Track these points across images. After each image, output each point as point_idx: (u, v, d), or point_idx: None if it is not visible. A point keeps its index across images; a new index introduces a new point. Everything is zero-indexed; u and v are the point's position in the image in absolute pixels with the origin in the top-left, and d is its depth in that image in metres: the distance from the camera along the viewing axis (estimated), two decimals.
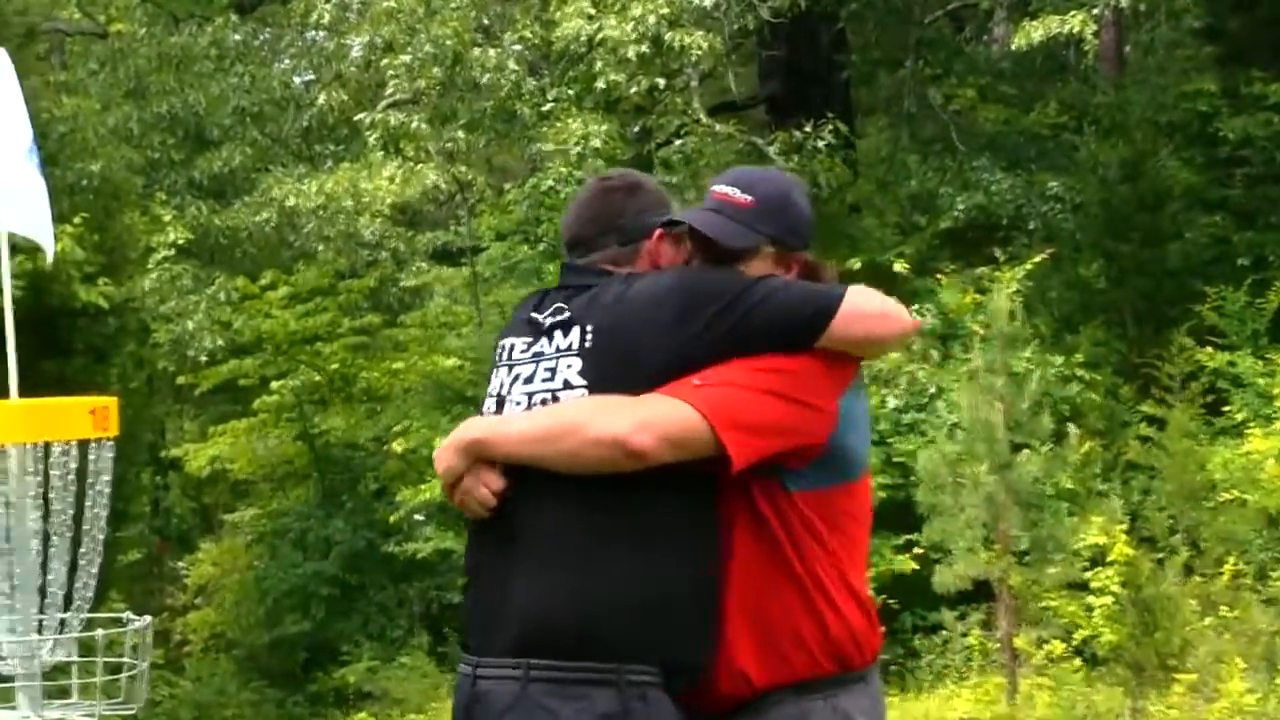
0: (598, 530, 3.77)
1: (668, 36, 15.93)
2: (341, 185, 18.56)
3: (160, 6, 22.84)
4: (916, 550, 14.07)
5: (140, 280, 19.93)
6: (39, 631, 7.03)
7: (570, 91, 16.98)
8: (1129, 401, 16.56)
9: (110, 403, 7.19)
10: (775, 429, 3.77)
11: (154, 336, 21.36)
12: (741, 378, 3.76)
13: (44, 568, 7.07)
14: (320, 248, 20.56)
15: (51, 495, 7.06)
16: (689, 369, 3.76)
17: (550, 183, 16.89)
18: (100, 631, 7.01)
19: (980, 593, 12.04)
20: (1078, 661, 11.31)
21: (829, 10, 19.04)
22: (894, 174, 21.13)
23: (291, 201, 18.63)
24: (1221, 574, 11.69)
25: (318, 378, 25.00)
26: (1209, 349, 16.04)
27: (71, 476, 7.11)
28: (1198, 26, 21.95)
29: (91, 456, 7.16)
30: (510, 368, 4.01)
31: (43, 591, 7.07)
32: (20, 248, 11.26)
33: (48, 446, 7.06)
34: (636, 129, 17.99)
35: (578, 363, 3.86)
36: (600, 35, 16.00)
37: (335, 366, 24.90)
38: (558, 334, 3.92)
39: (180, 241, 20.22)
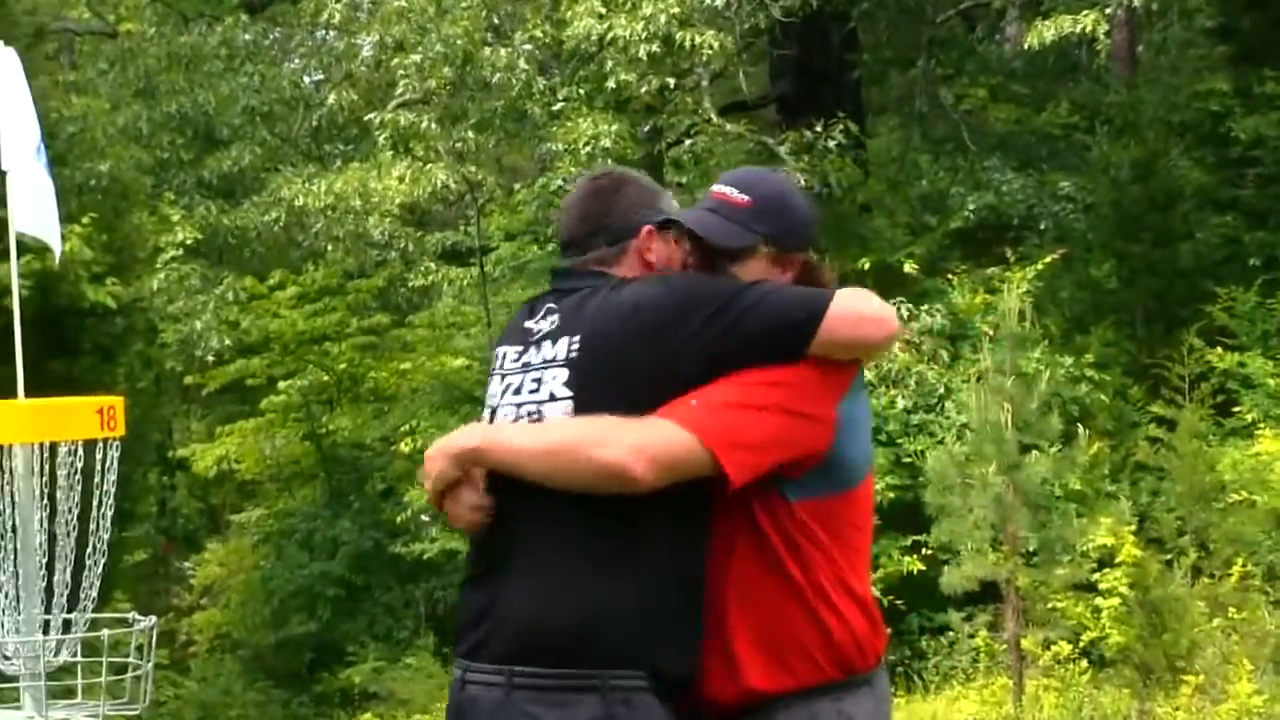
0: (585, 539, 3.75)
1: (678, 36, 15.89)
2: (351, 185, 18.52)
3: (170, 6, 22.81)
4: (924, 551, 14.05)
5: (148, 280, 19.92)
6: (44, 632, 7.03)
7: (581, 91, 16.95)
8: (1138, 402, 16.53)
9: (117, 402, 7.20)
10: (773, 444, 3.75)
11: (162, 336, 21.36)
12: (737, 394, 3.73)
13: (49, 567, 7.08)
14: (329, 247, 20.53)
15: (58, 495, 7.07)
16: (678, 378, 3.74)
17: (560, 182, 16.85)
18: (105, 632, 7.02)
19: (987, 594, 12.00)
20: (1085, 663, 11.26)
21: (840, 9, 18.99)
22: (905, 174, 21.10)
23: (300, 201, 18.59)
24: (1230, 575, 11.64)
25: (325, 378, 25.04)
26: (1219, 350, 15.99)
27: (78, 476, 7.12)
28: (1210, 26, 21.92)
29: (98, 456, 7.17)
30: (502, 377, 4.00)
31: (48, 591, 7.07)
32: (28, 247, 11.28)
33: (54, 446, 7.07)
34: (647, 128, 17.94)
35: (564, 373, 3.85)
36: (611, 34, 15.96)
37: (343, 366, 24.94)
38: (546, 344, 3.90)
39: (188, 241, 20.20)
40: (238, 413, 26.58)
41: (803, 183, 16.46)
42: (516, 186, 20.31)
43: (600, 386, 3.79)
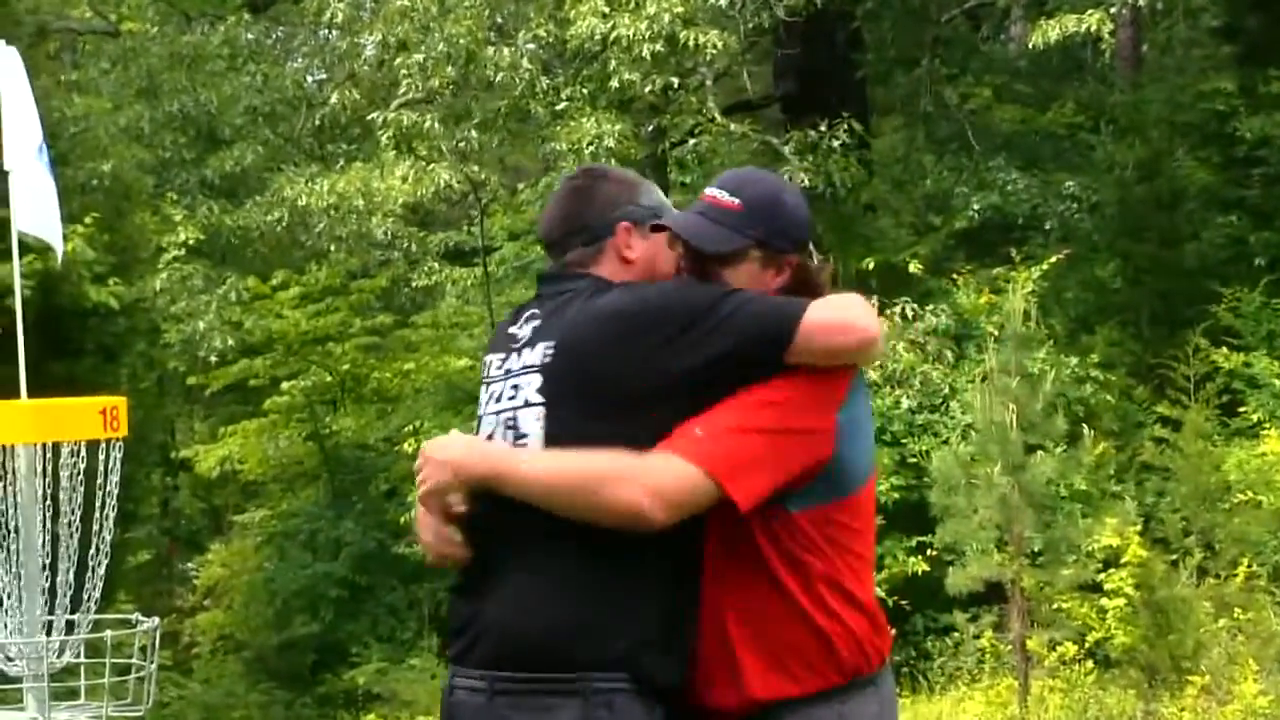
0: (566, 545, 3.73)
1: (682, 35, 15.86)
2: (354, 185, 18.51)
3: (172, 5, 22.80)
4: (929, 552, 14.04)
5: (151, 280, 19.92)
6: (47, 633, 7.02)
7: (584, 90, 16.91)
8: (1144, 402, 16.52)
9: (120, 403, 7.18)
10: (778, 466, 3.73)
11: (164, 337, 21.36)
12: (738, 419, 3.72)
13: (52, 568, 7.06)
14: (332, 247, 20.52)
15: (60, 496, 7.05)
16: (650, 388, 3.72)
17: None
18: (109, 633, 7.01)
19: (992, 595, 11.98)
20: (1090, 664, 11.23)
21: (845, 9, 18.97)
22: (909, 173, 21.08)
23: (303, 201, 18.57)
24: (1236, 576, 11.63)
25: (329, 378, 25.03)
26: (1224, 350, 15.99)
27: (80, 477, 7.10)
28: (1215, 25, 21.92)
29: (101, 457, 7.15)
30: (488, 385, 3.99)
31: (51, 592, 7.06)
32: (30, 247, 11.26)
33: (57, 447, 7.04)
34: (650, 128, 17.92)
35: (537, 379, 3.83)
36: (614, 34, 15.93)
37: (346, 367, 24.93)
38: (526, 350, 3.89)
39: (191, 241, 20.19)
40: (241, 413, 26.57)
41: (806, 182, 16.45)
42: (520, 186, 20.31)
43: (571, 393, 3.78)
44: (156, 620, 7.34)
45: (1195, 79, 21.37)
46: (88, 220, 17.95)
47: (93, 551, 7.24)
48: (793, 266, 3.94)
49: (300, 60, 25.42)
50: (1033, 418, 11.17)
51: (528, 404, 3.82)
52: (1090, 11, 15.97)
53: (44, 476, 7.05)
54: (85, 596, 7.16)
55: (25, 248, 9.18)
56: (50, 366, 15.92)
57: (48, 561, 7.07)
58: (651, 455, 3.67)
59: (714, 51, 16.29)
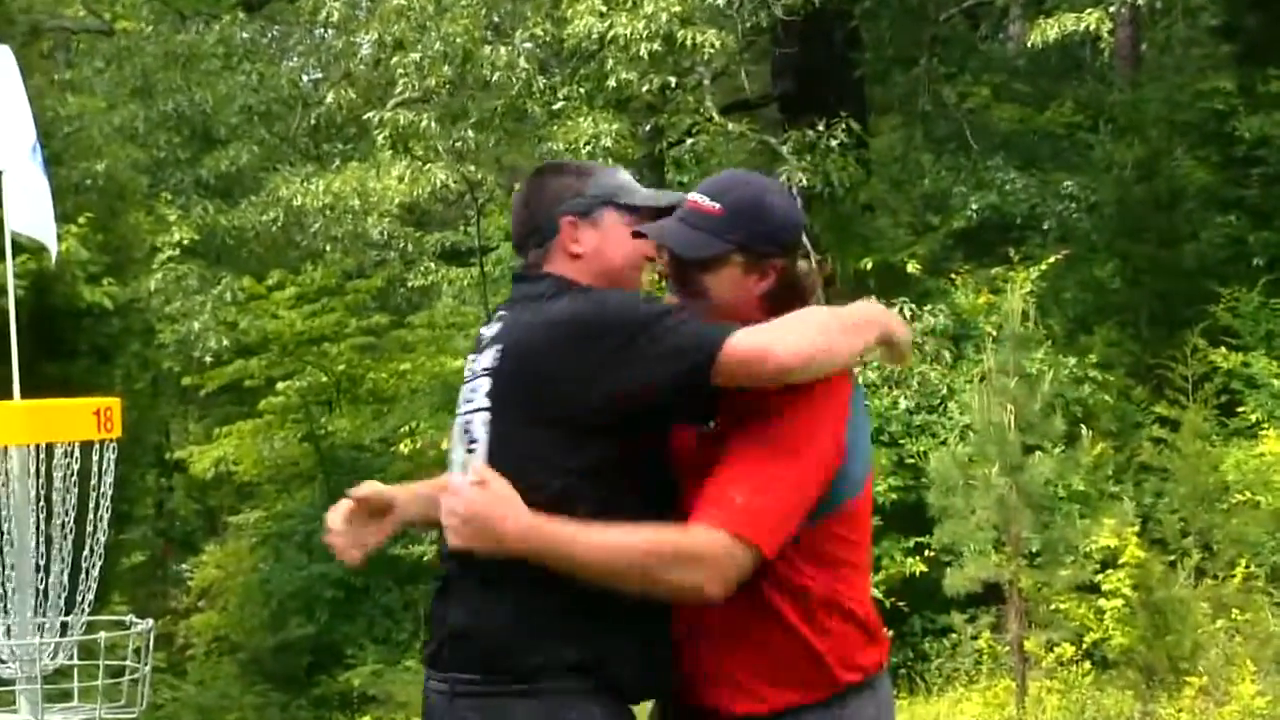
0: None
1: (680, 34, 15.83)
2: (349, 184, 18.49)
3: (167, 4, 22.76)
4: (927, 553, 14.03)
5: (145, 280, 19.89)
6: (41, 634, 6.99)
7: (581, 90, 16.90)
8: (1142, 403, 16.52)
9: (114, 404, 7.16)
10: (802, 506, 3.73)
11: (159, 337, 21.33)
12: (769, 475, 3.68)
13: (46, 570, 7.04)
14: (327, 248, 20.51)
15: (54, 497, 7.03)
16: (585, 400, 3.67)
17: None
18: (103, 634, 7.00)
19: (990, 595, 11.98)
20: (1088, 664, 11.23)
21: (843, 8, 18.94)
22: (907, 173, 21.05)
23: (299, 201, 18.55)
24: (1234, 577, 11.62)
25: (324, 378, 25.02)
26: (1223, 350, 15.98)
27: (74, 478, 7.08)
28: (1214, 24, 21.93)
29: (95, 458, 7.13)
30: (463, 387, 3.98)
31: (45, 594, 7.03)
32: (24, 247, 11.25)
33: (51, 448, 7.03)
34: (648, 128, 17.91)
35: (487, 383, 3.83)
36: (612, 33, 15.90)
37: (342, 367, 24.93)
38: (486, 352, 3.87)
39: (186, 241, 20.18)
40: (236, 414, 26.56)
41: (804, 182, 16.43)
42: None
43: (515, 399, 3.77)
44: (151, 622, 7.33)
45: (1194, 78, 21.36)
46: (82, 220, 17.90)
47: (86, 553, 7.23)
48: (777, 270, 3.89)
49: (296, 59, 25.36)
50: (1031, 418, 11.17)
51: (479, 408, 3.82)
52: (1089, 10, 15.94)
53: (38, 478, 7.04)
54: (79, 598, 7.15)
55: (19, 248, 9.15)
56: (44, 367, 15.87)
57: (41, 563, 7.05)
58: (697, 529, 3.64)
59: (711, 51, 16.26)
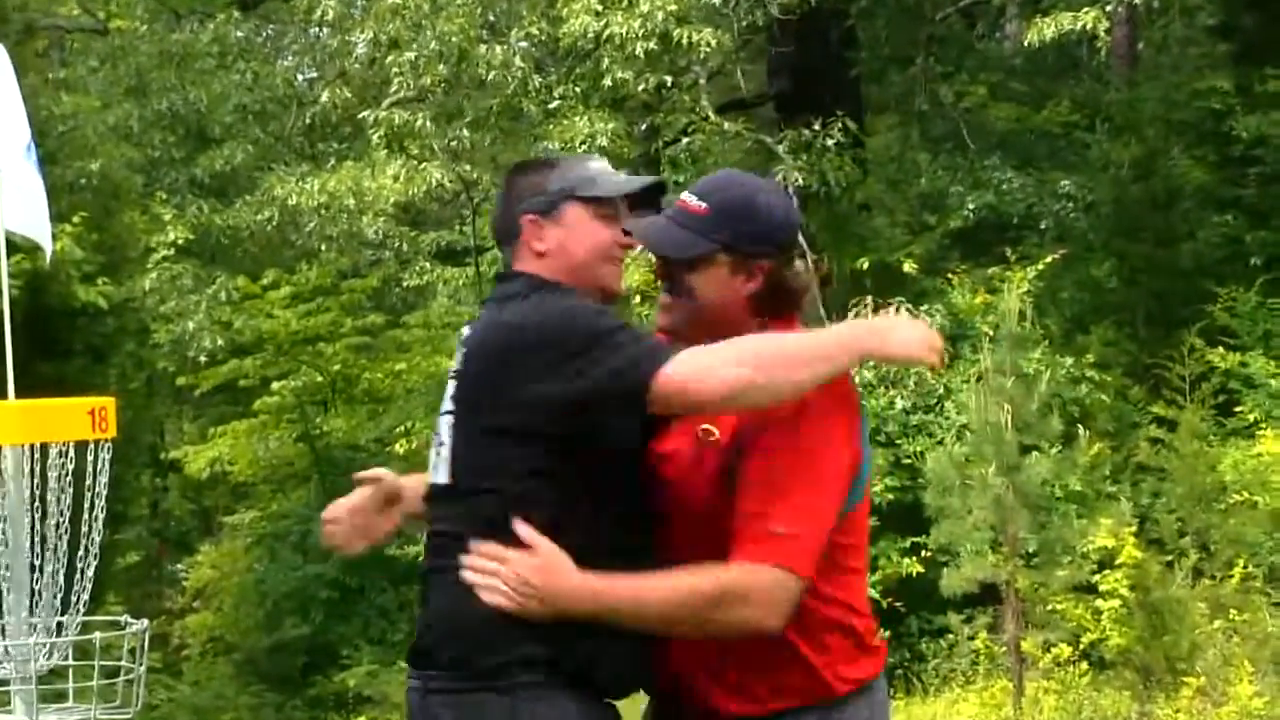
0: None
1: (676, 33, 15.82)
2: (344, 184, 18.48)
3: (161, 3, 22.75)
4: (924, 553, 14.02)
5: (140, 280, 19.86)
6: (35, 635, 6.97)
7: (577, 89, 16.89)
8: (1139, 403, 16.51)
9: (109, 403, 7.13)
10: (833, 521, 3.74)
11: (154, 337, 21.28)
12: (806, 504, 3.67)
13: (40, 570, 7.01)
14: (322, 247, 20.51)
15: (49, 497, 7.01)
16: (527, 406, 3.66)
17: None
18: (97, 635, 6.99)
19: (987, 596, 11.98)
20: (1085, 665, 11.25)
21: (839, 7, 18.94)
22: (904, 172, 21.04)
23: (294, 200, 18.55)
24: (1231, 577, 11.63)
25: (319, 378, 25.02)
26: (1220, 349, 15.98)
27: (69, 478, 7.06)
28: (1211, 24, 21.96)
29: (89, 458, 7.11)
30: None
31: (39, 594, 7.01)
32: (19, 247, 11.21)
33: (45, 448, 7.00)
34: (644, 127, 17.91)
35: (453, 385, 3.85)
36: (608, 32, 15.89)
37: (337, 367, 24.92)
38: (457, 354, 3.89)
39: (180, 241, 20.17)
40: (230, 414, 26.55)
41: (800, 181, 16.41)
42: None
43: (472, 401, 3.78)
44: (145, 622, 7.30)
45: (1191, 77, 21.36)
46: (76, 220, 17.84)
47: (81, 553, 7.20)
48: (765, 272, 3.84)
49: (291, 58, 25.32)
50: (1028, 418, 11.18)
51: (446, 410, 3.85)
52: (1086, 9, 15.94)
53: (32, 478, 7.01)
54: (74, 598, 7.12)
55: (14, 247, 9.12)
56: (38, 367, 15.85)
57: (36, 563, 7.02)
58: (743, 567, 3.63)
59: (707, 50, 16.26)
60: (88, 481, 7.10)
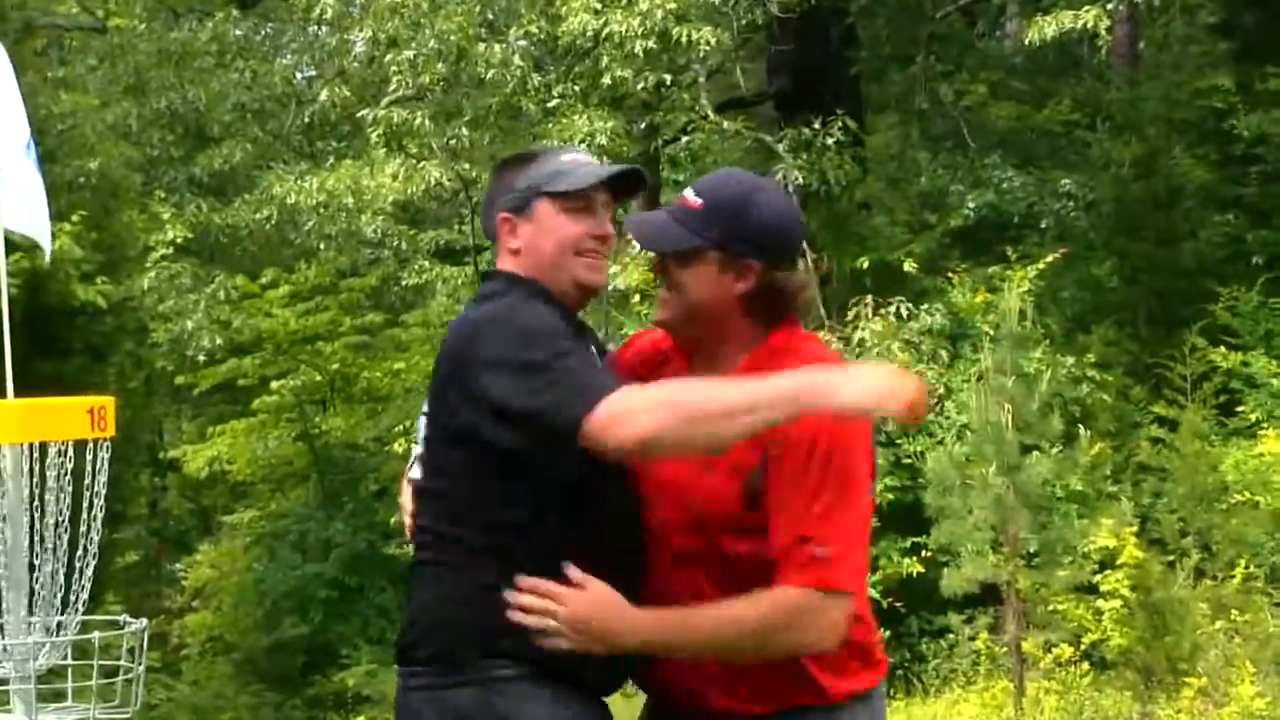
0: (459, 546, 3.76)
1: (675, 31, 15.80)
2: (343, 183, 18.47)
3: (160, 1, 22.75)
4: (924, 553, 14.01)
5: (139, 279, 19.84)
6: (34, 634, 6.95)
7: (576, 87, 16.86)
8: (1140, 402, 16.51)
9: (107, 402, 7.10)
10: (868, 533, 3.82)
11: (152, 336, 21.26)
12: (846, 523, 3.67)
13: (39, 570, 7.00)
14: (321, 246, 20.49)
15: (47, 496, 6.99)
16: (480, 411, 3.64)
17: None
18: (96, 634, 6.96)
19: (988, 596, 11.99)
20: (1086, 665, 11.26)
21: (839, 5, 18.92)
22: (904, 171, 21.02)
23: (293, 199, 18.54)
24: (1233, 577, 11.65)
25: (318, 377, 24.99)
26: (1222, 349, 15.98)
27: (68, 477, 7.03)
28: (1213, 22, 21.96)
29: (88, 457, 7.08)
30: None
31: (38, 593, 6.99)
32: (17, 246, 11.17)
33: (44, 447, 6.98)
34: (643, 125, 17.87)
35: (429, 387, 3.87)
36: (607, 30, 15.87)
37: (336, 366, 24.90)
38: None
39: (179, 239, 20.17)
40: (229, 413, 26.53)
41: (800, 180, 16.39)
42: None
43: (437, 405, 3.80)
44: (145, 621, 7.27)
45: (1192, 76, 21.35)
46: (75, 218, 17.81)
47: (80, 552, 7.18)
48: (756, 273, 3.80)
49: (289, 57, 25.32)
50: (1028, 418, 11.18)
51: (425, 409, 3.89)
52: (1087, 8, 15.92)
53: (30, 477, 6.98)
54: (72, 598, 7.10)
55: (13, 246, 9.10)
56: (37, 365, 15.81)
57: (35, 562, 7.00)
58: (788, 592, 3.61)
59: (707, 48, 16.24)
60: (86, 480, 7.08)
